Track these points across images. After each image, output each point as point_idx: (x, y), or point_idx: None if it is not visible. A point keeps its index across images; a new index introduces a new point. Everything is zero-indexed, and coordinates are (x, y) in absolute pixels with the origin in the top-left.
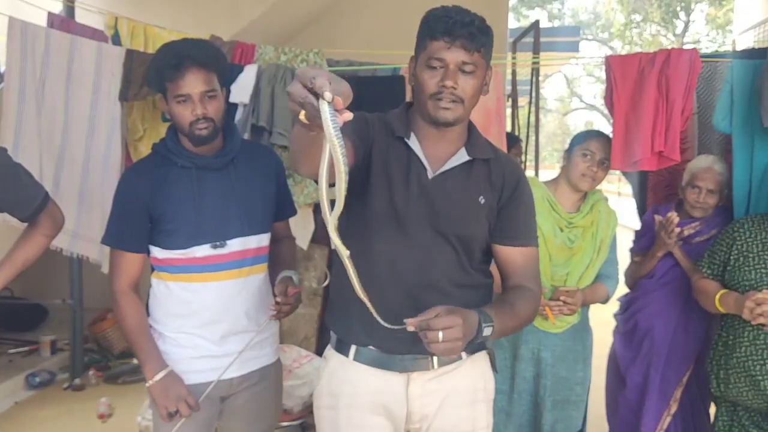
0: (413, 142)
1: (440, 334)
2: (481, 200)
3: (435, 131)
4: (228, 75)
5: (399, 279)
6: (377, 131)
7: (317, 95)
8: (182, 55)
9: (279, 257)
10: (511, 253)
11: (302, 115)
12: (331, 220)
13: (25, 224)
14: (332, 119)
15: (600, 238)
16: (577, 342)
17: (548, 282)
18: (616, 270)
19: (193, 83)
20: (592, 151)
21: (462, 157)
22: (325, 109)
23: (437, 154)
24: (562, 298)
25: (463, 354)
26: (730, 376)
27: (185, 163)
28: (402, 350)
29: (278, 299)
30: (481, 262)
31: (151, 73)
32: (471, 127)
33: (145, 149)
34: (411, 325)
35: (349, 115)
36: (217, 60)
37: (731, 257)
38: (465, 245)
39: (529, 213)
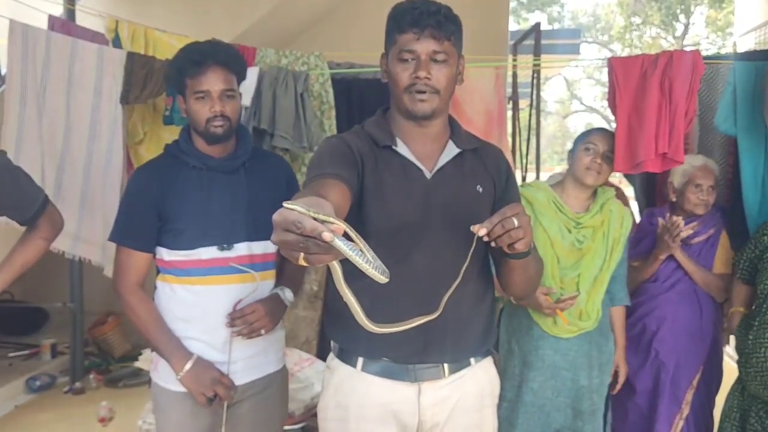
0: (401, 148)
1: (515, 220)
2: (479, 189)
3: (418, 129)
4: (245, 79)
5: (410, 286)
6: (361, 148)
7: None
8: (205, 53)
9: (282, 273)
10: None
11: (302, 260)
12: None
13: (25, 227)
14: (349, 248)
15: (612, 238)
16: (593, 347)
17: (557, 285)
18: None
19: (213, 81)
20: (594, 144)
21: (452, 150)
22: (339, 245)
23: (426, 153)
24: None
25: (472, 360)
26: (748, 361)
27: (196, 163)
28: (413, 360)
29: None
30: (483, 249)
31: (172, 70)
32: (452, 121)
33: (145, 152)
34: (478, 229)
35: (341, 229)
36: (238, 62)
37: (759, 258)
38: (473, 236)
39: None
